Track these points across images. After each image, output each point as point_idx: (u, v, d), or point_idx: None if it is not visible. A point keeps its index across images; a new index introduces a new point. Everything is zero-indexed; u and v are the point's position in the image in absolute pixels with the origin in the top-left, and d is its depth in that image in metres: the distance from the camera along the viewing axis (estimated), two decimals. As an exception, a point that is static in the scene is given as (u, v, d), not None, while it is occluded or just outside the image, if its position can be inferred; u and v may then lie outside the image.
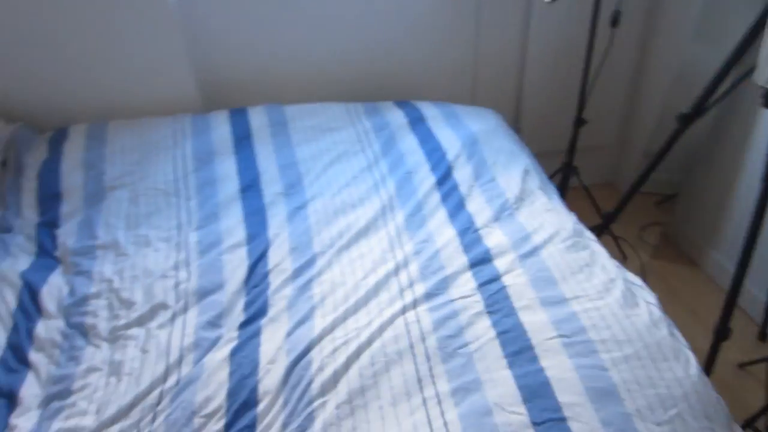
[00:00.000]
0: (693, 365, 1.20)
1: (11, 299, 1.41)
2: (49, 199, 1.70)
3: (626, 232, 2.46)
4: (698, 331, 2.02)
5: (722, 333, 1.63)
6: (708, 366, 1.68)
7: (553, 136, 2.39)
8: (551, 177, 2.25)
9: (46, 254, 1.57)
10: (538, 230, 1.52)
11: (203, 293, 1.44)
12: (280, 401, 1.18)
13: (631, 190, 2.04)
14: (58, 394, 1.24)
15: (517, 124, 2.49)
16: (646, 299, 1.35)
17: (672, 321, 1.32)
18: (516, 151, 1.85)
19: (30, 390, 1.25)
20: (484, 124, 1.96)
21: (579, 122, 2.05)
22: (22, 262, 1.52)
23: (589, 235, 1.56)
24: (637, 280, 1.42)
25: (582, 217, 1.65)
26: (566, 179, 2.19)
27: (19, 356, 1.31)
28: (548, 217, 1.58)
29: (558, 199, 1.71)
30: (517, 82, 2.40)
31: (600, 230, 2.24)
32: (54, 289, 1.46)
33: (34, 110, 1.97)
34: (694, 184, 2.29)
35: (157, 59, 1.98)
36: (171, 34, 1.94)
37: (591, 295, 1.33)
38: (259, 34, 2.10)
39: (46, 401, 1.23)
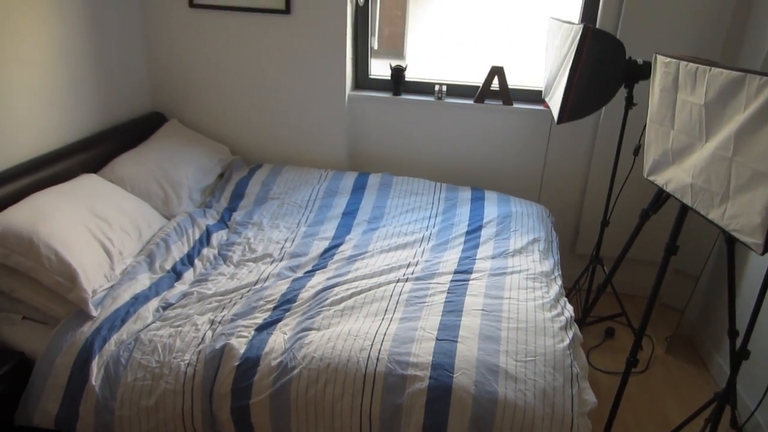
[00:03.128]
0: (563, 345, 1.73)
1: (197, 235, 2.47)
2: (236, 196, 2.81)
3: (656, 335, 2.81)
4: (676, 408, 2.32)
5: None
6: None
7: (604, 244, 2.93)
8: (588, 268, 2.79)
9: (223, 222, 2.63)
10: (515, 267, 2.17)
11: (294, 255, 2.34)
12: (307, 304, 1.98)
13: (612, 270, 2.49)
14: (200, 280, 2.20)
15: (576, 227, 3.08)
16: (565, 315, 1.91)
17: (578, 335, 1.86)
18: (538, 229, 2.50)
19: (188, 275, 2.24)
20: (524, 209, 2.65)
21: (604, 223, 2.62)
22: (210, 221, 2.59)
23: (557, 281, 2.15)
24: (569, 307, 1.97)
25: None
26: (594, 269, 2.71)
27: (190, 260, 2.33)
28: (531, 264, 2.21)
29: (552, 261, 2.31)
30: (579, 195, 3.04)
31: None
32: (219, 236, 2.49)
33: (247, 151, 3.21)
34: (709, 288, 2.62)
35: (327, 136, 3.10)
36: (341, 124, 3.05)
37: (521, 299, 1.94)
38: (391, 134, 3.11)
39: (193, 281, 2.20)
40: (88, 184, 2.31)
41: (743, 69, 1.38)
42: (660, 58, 1.65)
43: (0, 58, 2.08)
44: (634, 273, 3.08)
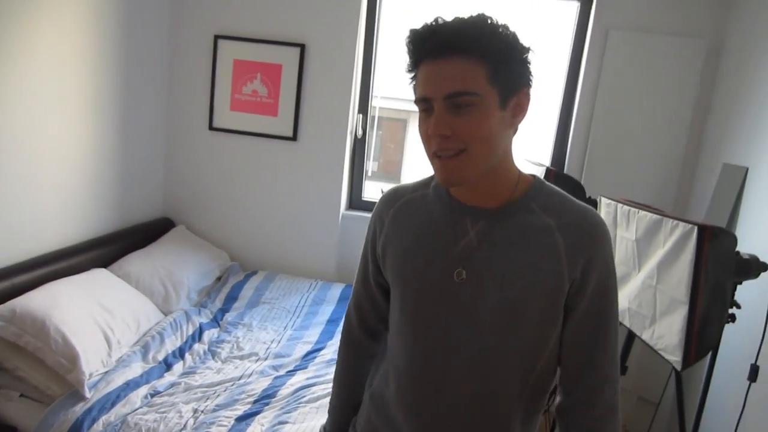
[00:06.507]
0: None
1: (190, 331, 2.65)
2: (231, 299, 3.03)
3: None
4: None
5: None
6: None
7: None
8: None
9: (215, 321, 2.83)
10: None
11: (279, 355, 2.51)
12: (285, 400, 2.14)
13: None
14: (188, 372, 2.36)
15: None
16: None
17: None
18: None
19: (177, 367, 2.40)
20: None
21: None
22: (203, 319, 2.79)
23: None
24: None
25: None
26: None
27: (181, 353, 2.50)
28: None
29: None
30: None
31: None
32: (210, 333, 2.68)
33: (245, 258, 3.47)
34: (671, 415, 2.73)
35: (320, 249, 3.38)
36: (333, 239, 3.35)
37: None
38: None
39: (182, 373, 2.35)
40: (99, 277, 2.54)
41: (662, 212, 1.68)
42: (603, 199, 1.96)
43: (37, 160, 2.41)
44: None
